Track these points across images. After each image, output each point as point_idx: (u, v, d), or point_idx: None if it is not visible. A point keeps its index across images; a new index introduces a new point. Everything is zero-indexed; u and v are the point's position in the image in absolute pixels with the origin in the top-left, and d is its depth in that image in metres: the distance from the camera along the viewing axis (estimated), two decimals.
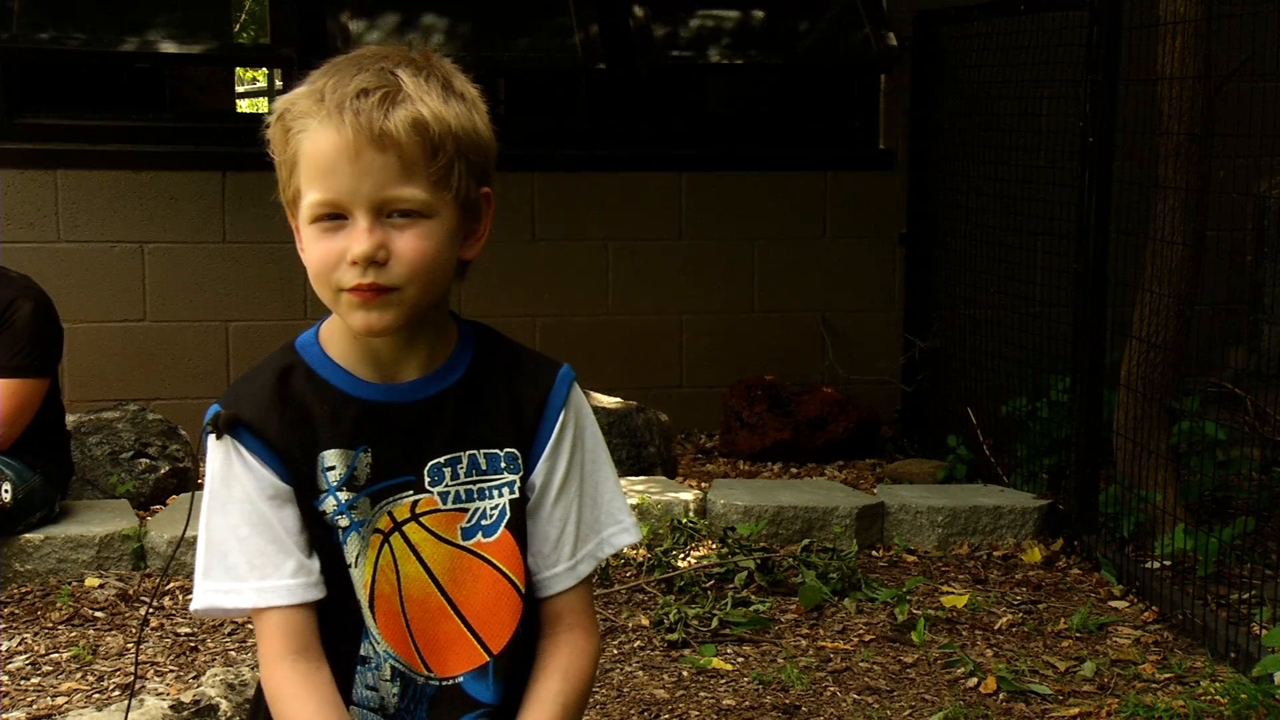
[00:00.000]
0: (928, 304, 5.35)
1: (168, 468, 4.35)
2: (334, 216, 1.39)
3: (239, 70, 11.12)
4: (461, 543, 1.48)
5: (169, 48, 5.01)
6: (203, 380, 5.02)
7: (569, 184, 5.24)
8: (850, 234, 5.49)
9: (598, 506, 1.54)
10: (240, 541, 1.44)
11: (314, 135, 1.39)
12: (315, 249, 1.40)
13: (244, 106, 12.35)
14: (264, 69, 10.31)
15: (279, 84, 9.00)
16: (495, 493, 1.49)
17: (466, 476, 1.48)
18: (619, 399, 4.74)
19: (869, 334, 5.51)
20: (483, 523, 1.49)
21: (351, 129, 1.36)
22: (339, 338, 1.48)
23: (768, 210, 5.44)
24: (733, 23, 5.44)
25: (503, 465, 1.50)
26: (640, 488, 4.28)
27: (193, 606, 1.47)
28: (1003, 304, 4.72)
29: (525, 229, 5.19)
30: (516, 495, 1.50)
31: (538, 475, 1.51)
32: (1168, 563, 3.87)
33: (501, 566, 1.49)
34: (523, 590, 1.50)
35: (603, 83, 5.28)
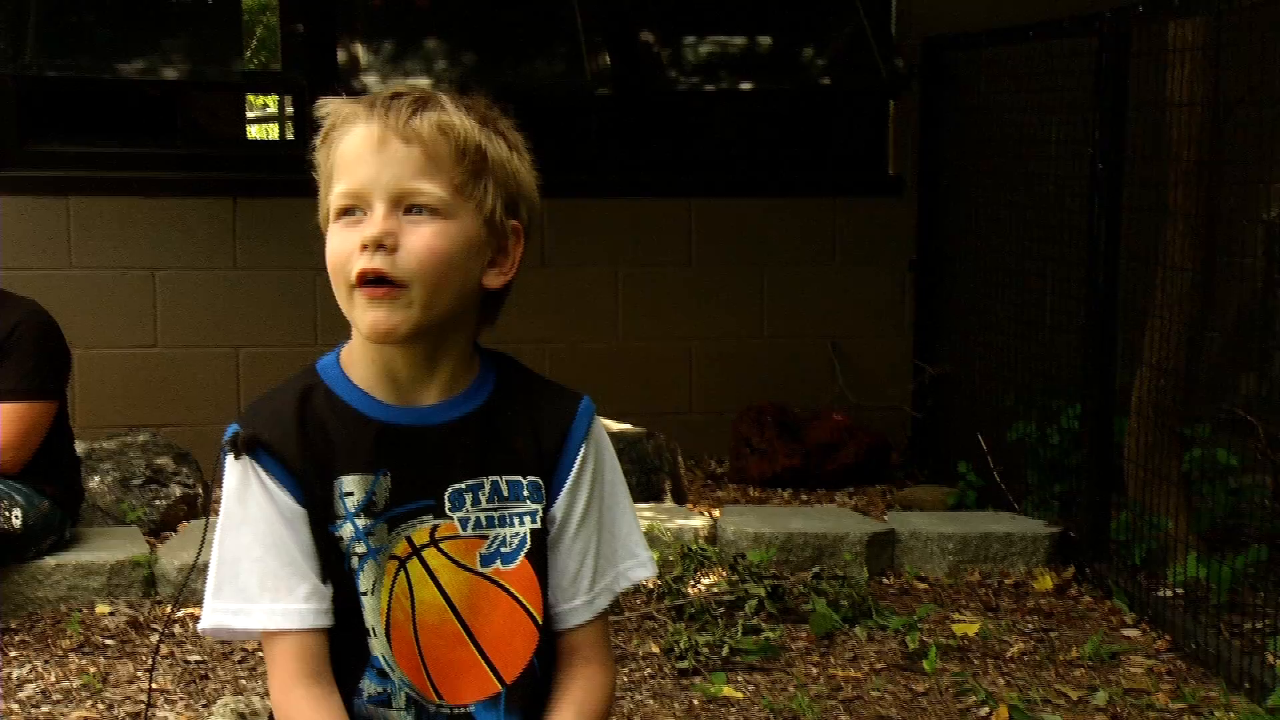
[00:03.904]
0: (937, 330, 5.36)
1: (179, 494, 4.36)
2: (355, 211, 1.42)
3: (250, 96, 11.18)
4: (480, 569, 1.48)
5: (180, 74, 5.04)
6: (213, 406, 5.02)
7: (579, 210, 5.25)
8: (860, 260, 5.50)
9: (615, 540, 1.56)
10: (254, 562, 1.43)
11: (348, 134, 1.43)
12: (333, 242, 1.43)
13: (255, 132, 12.43)
14: (275, 95, 10.36)
15: (289, 109, 9.05)
16: (516, 521, 1.50)
17: (488, 503, 1.49)
18: (629, 425, 4.75)
19: (879, 360, 5.51)
20: (502, 550, 1.49)
21: (379, 122, 1.41)
22: (360, 360, 1.49)
23: (777, 236, 5.45)
24: (741, 49, 5.46)
25: (525, 493, 1.50)
26: (650, 514, 4.28)
27: (201, 626, 1.47)
28: (1012, 329, 4.72)
29: (535, 255, 5.19)
30: (538, 526, 1.50)
31: (558, 508, 1.51)
32: (1180, 591, 3.86)
33: (519, 596, 1.50)
34: (539, 621, 1.51)
35: (612, 109, 5.30)
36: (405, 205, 1.41)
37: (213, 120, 7.33)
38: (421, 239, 1.40)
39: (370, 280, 1.40)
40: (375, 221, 1.40)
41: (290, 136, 10.00)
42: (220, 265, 5.07)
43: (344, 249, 1.41)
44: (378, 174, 1.40)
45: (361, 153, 1.41)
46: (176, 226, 5.04)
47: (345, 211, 1.42)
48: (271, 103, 12.29)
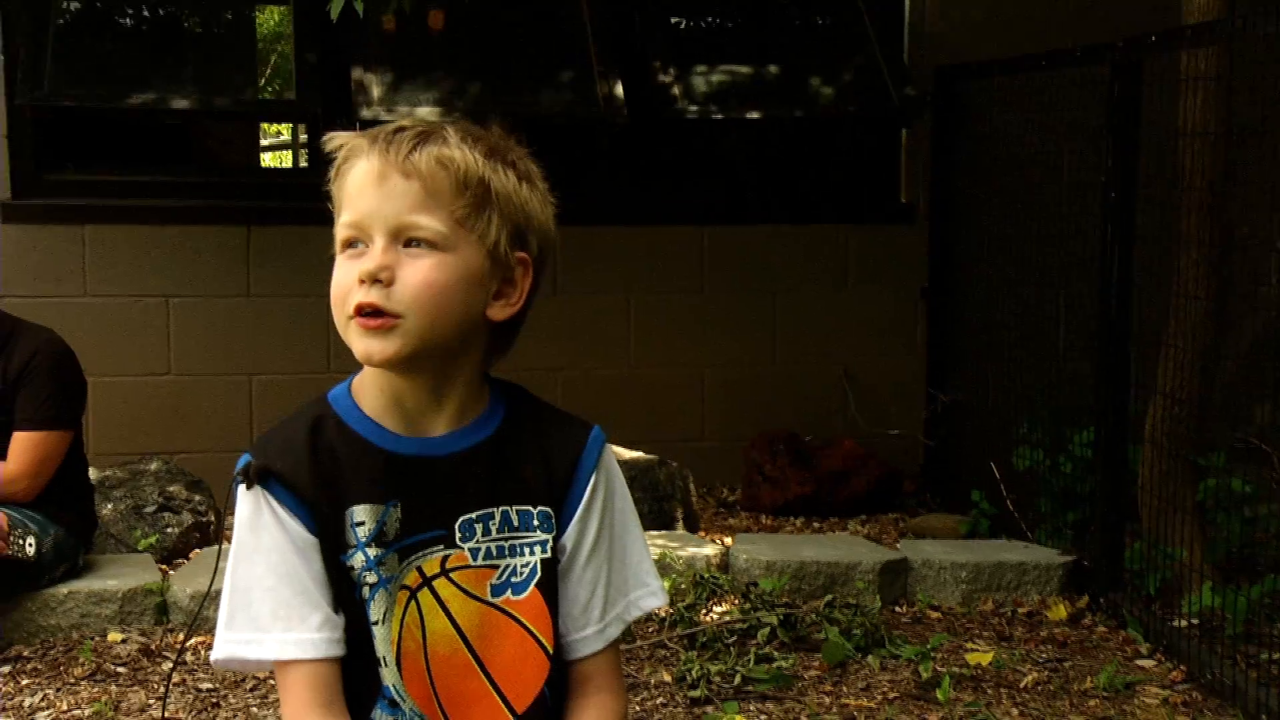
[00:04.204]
0: (950, 357, 5.35)
1: (191, 522, 4.36)
2: (358, 244, 1.43)
3: (264, 124, 11.23)
4: (491, 599, 1.48)
5: (194, 103, 5.07)
6: (226, 434, 5.03)
7: (591, 237, 5.26)
8: (872, 287, 5.49)
9: (626, 569, 1.55)
10: (266, 592, 1.43)
11: (353, 168, 1.45)
12: (336, 274, 1.44)
13: (269, 160, 12.49)
14: (288, 123, 10.42)
15: (304, 137, 9.09)
16: (527, 550, 1.49)
17: (499, 533, 1.49)
18: (641, 452, 4.74)
19: (891, 387, 5.50)
20: (512, 580, 1.49)
21: (380, 157, 1.42)
22: (370, 390, 1.48)
23: (789, 263, 5.45)
24: (754, 77, 5.47)
25: (535, 523, 1.50)
26: (662, 542, 4.26)
27: (213, 657, 1.47)
28: (1025, 357, 4.71)
29: (547, 282, 5.18)
30: (548, 555, 1.50)
31: (569, 538, 1.51)
32: (1195, 621, 3.83)
33: (529, 625, 1.49)
34: (550, 651, 1.50)
35: (625, 136, 5.31)
36: (404, 239, 1.42)
37: (226, 148, 7.37)
38: (418, 272, 1.41)
39: (366, 313, 1.41)
40: (373, 255, 1.41)
41: (304, 165, 10.05)
42: (234, 293, 5.09)
43: (345, 281, 1.43)
44: (377, 208, 1.41)
45: (363, 187, 1.42)
46: (190, 254, 5.06)
47: (349, 244, 1.44)
48: (285, 130, 12.36)
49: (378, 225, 1.41)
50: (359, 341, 1.42)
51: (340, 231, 1.44)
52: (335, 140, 1.47)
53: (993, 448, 4.84)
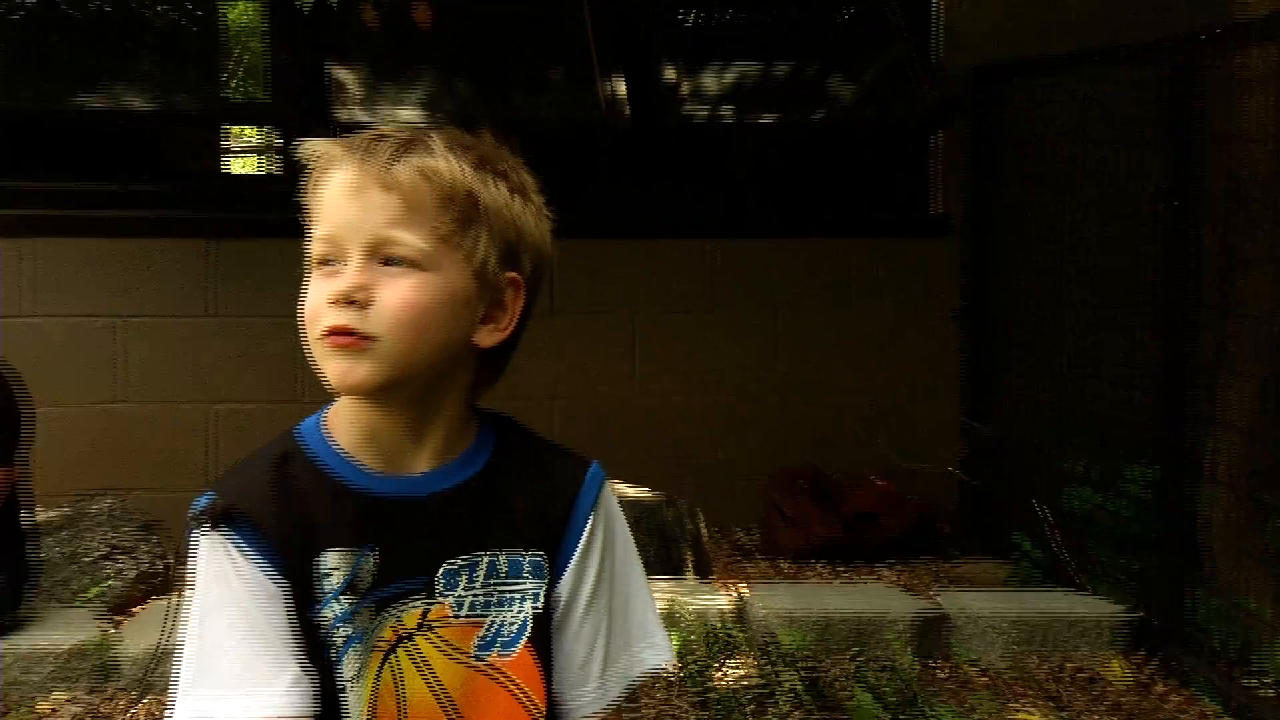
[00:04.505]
0: (989, 384, 5.33)
1: (142, 569, 4.31)
2: (332, 261, 1.43)
3: (231, 128, 11.23)
4: (476, 659, 1.46)
5: (153, 105, 5.07)
6: (183, 470, 4.99)
7: (591, 251, 5.24)
8: (902, 307, 5.48)
9: (628, 621, 1.54)
10: (233, 646, 1.42)
11: (328, 179, 1.45)
12: (309, 295, 1.44)
13: (235, 166, 12.49)
14: (260, 127, 10.43)
15: (276, 141, 9.10)
16: (517, 602, 1.48)
17: (485, 582, 1.47)
18: (646, 490, 4.72)
19: (924, 418, 5.48)
20: (501, 635, 1.48)
21: (357, 167, 1.42)
22: (344, 423, 1.48)
23: (811, 281, 5.45)
24: (769, 78, 5.49)
25: (525, 570, 1.49)
26: (670, 591, 4.23)
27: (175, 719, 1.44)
28: (1072, 384, 4.69)
29: (542, 300, 5.14)
30: (541, 607, 1.48)
31: (564, 587, 1.50)
32: (1269, 680, 3.78)
33: (520, 686, 1.47)
34: (543, 714, 1.48)
35: (629, 142, 5.31)
36: (383, 257, 1.41)
37: (188, 155, 7.36)
38: (397, 293, 1.40)
39: (337, 333, 1.41)
40: (348, 274, 1.41)
41: (276, 171, 10.04)
42: (194, 313, 5.07)
43: (317, 303, 1.43)
44: (354, 223, 1.42)
45: (339, 199, 1.43)
46: (146, 270, 5.05)
47: (323, 261, 1.44)
48: (252, 134, 12.38)
49: (354, 242, 1.41)
50: (331, 362, 1.41)
51: (313, 247, 1.44)
52: (309, 148, 1.47)
53: (1038, 485, 4.81)
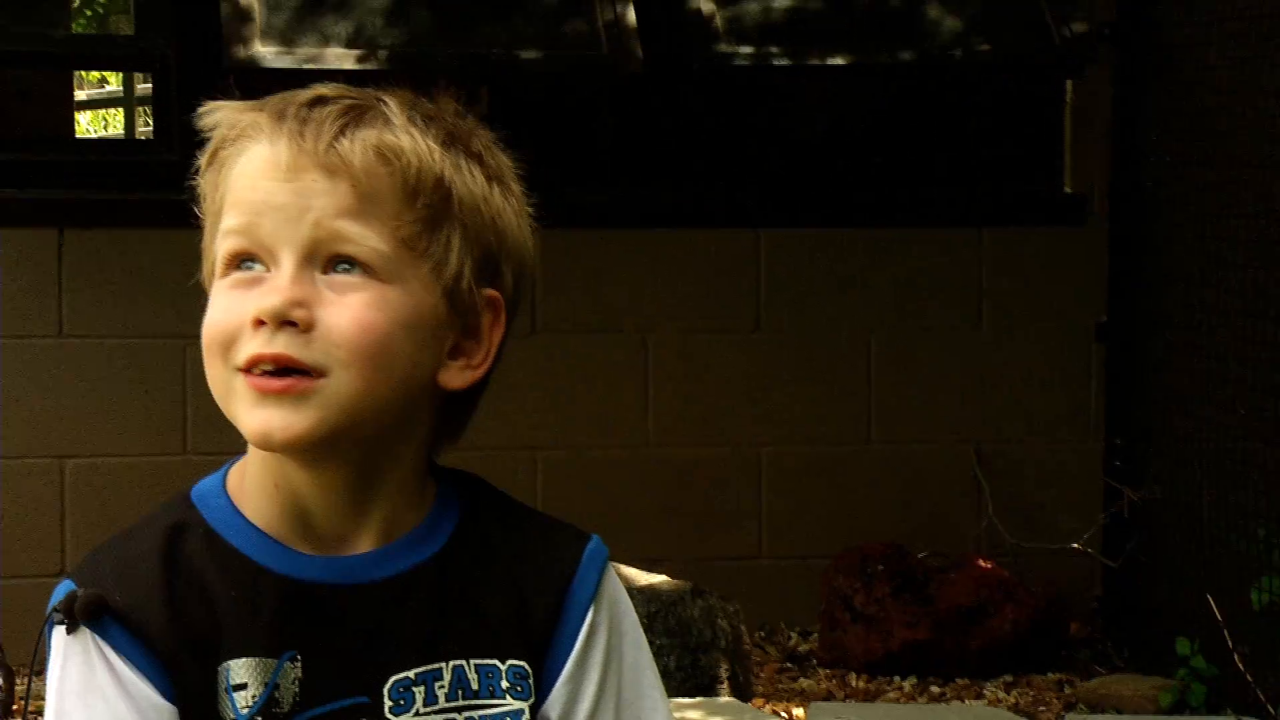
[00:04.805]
0: (1142, 430, 5.32)
1: None
2: (252, 264, 1.44)
3: (82, 74, 11.27)
4: None
5: None
6: (26, 549, 5.02)
7: (588, 246, 5.26)
8: (1019, 323, 5.50)
9: None
10: None
11: (246, 154, 1.46)
12: (217, 307, 1.45)
13: (89, 125, 12.53)
14: (122, 72, 10.47)
15: (144, 86, 9.13)
16: None
17: (449, 700, 1.50)
18: (664, 576, 4.73)
19: (1049, 478, 5.50)
20: None
21: (291, 142, 1.44)
22: (257, 487, 1.51)
23: (890, 287, 5.46)
24: (834, 3, 5.47)
25: (504, 685, 1.51)
26: (698, 716, 4.24)
27: None
28: (1263, 432, 4.68)
29: (521, 315, 5.20)
30: None
31: (554, 705, 1.53)
32: None
33: None
34: None
35: (641, 93, 5.33)
36: (325, 259, 1.43)
37: (26, 111, 7.41)
38: (348, 311, 1.42)
39: (268, 370, 1.42)
40: (279, 283, 1.42)
41: (144, 131, 10.08)
42: (38, 332, 5.07)
43: (230, 320, 1.44)
44: (286, 213, 1.43)
45: (262, 182, 1.44)
46: None
47: (236, 261, 1.45)
48: (114, 80, 12.42)
49: (285, 238, 1.43)
50: (253, 413, 1.43)
51: (222, 243, 1.46)
52: (215, 113, 1.48)
53: (1212, 573, 4.80)
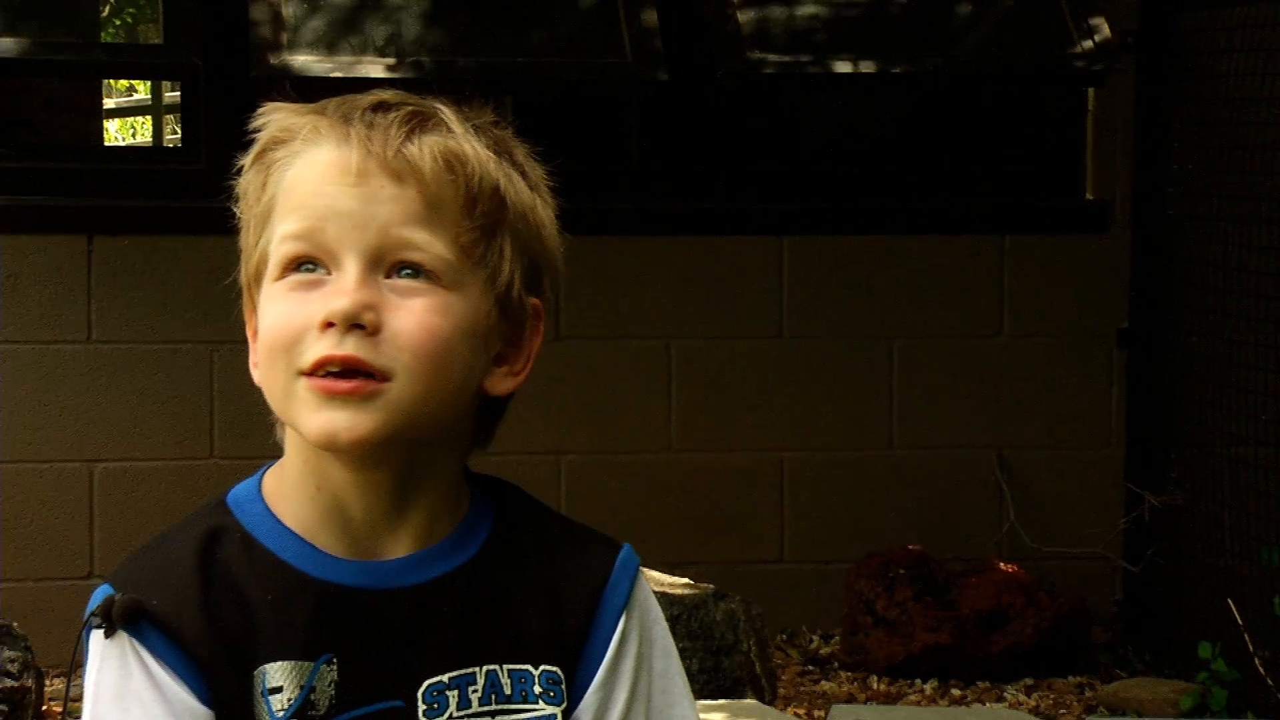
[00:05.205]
0: (1163, 437, 5.32)
1: (1, 685, 4.35)
2: (313, 267, 1.45)
3: (111, 82, 11.31)
4: None
5: (4, 51, 5.10)
6: (56, 553, 5.03)
7: (612, 253, 5.26)
8: (1040, 330, 5.49)
9: None
10: None
11: (304, 159, 1.47)
12: (277, 310, 1.46)
13: (118, 133, 12.58)
14: (151, 80, 10.51)
15: (172, 95, 9.16)
16: None
17: (482, 705, 1.51)
18: (687, 580, 4.73)
19: (1070, 483, 5.50)
20: None
21: (359, 146, 1.45)
22: (295, 490, 1.52)
23: (912, 293, 5.46)
24: (862, 17, 5.47)
25: (537, 690, 1.53)
26: (721, 718, 4.24)
27: None
28: None
29: (546, 321, 5.20)
30: None
31: (586, 711, 1.55)
32: None
33: None
34: None
35: (665, 101, 5.33)
36: (389, 265, 1.44)
37: (56, 119, 7.42)
38: (413, 316, 1.43)
39: (334, 371, 1.43)
40: (347, 288, 1.43)
41: (172, 139, 10.11)
42: (68, 338, 5.09)
43: (294, 322, 1.44)
44: (352, 218, 1.44)
45: (326, 186, 1.45)
46: (8, 278, 5.07)
47: (295, 264, 1.46)
48: (142, 89, 12.47)
49: (351, 242, 1.44)
50: (318, 414, 1.43)
51: (281, 246, 1.46)
52: (273, 116, 1.49)
53: (1232, 577, 4.80)
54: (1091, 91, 5.52)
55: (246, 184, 1.51)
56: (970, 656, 5.07)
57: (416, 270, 1.44)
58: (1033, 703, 4.89)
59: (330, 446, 1.44)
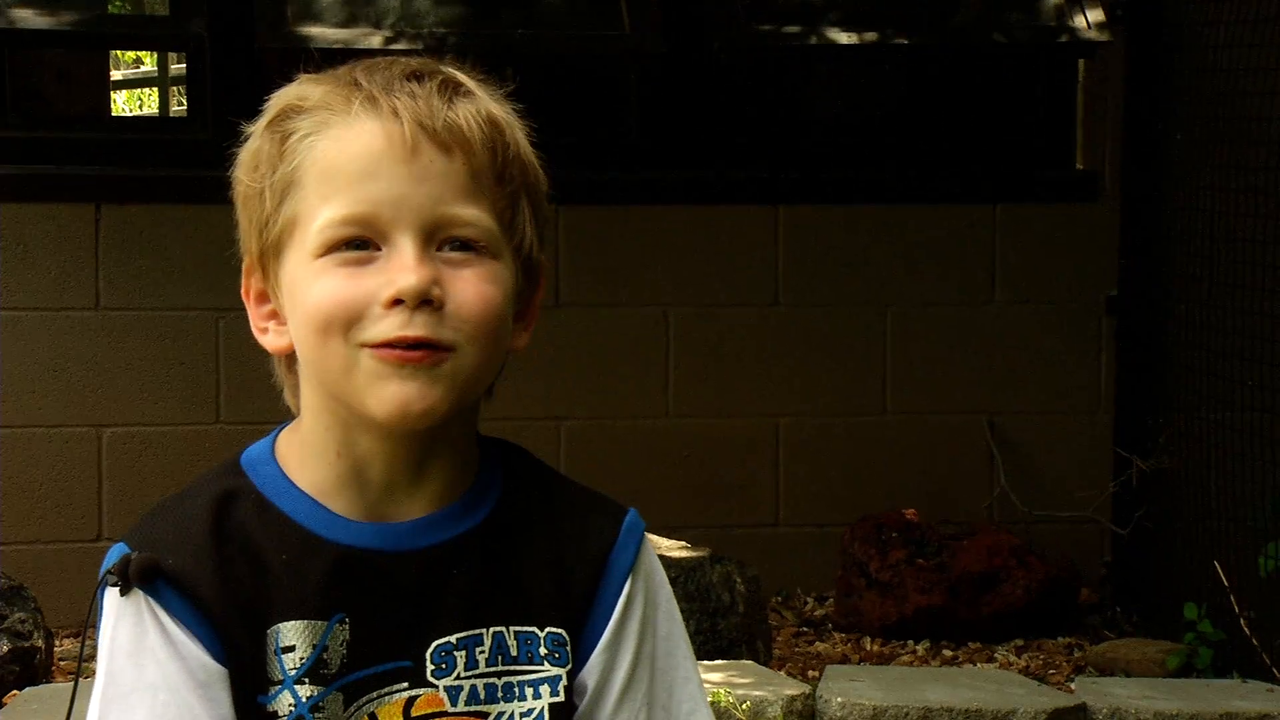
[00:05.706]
0: (1151, 403, 5.31)
1: (7, 650, 4.34)
2: (364, 245, 1.44)
3: (118, 54, 11.27)
4: None
5: (6, 23, 5.09)
6: (65, 515, 5.03)
7: (611, 222, 5.27)
8: (1031, 298, 5.50)
9: (672, 715, 1.59)
10: None
11: (337, 135, 1.45)
12: (326, 288, 1.44)
13: (124, 104, 12.54)
14: (156, 51, 10.47)
15: (178, 66, 9.14)
16: (530, 691, 1.52)
17: (489, 666, 1.51)
18: (683, 543, 4.73)
19: (1060, 448, 5.51)
20: None
21: (409, 116, 1.44)
22: (312, 453, 1.52)
23: (906, 262, 5.46)
24: None
25: (542, 652, 1.53)
26: (719, 677, 4.25)
27: None
28: (1271, 404, 4.68)
29: (546, 289, 5.20)
30: (562, 699, 1.53)
31: (591, 672, 1.55)
32: None
33: None
34: None
35: (662, 74, 5.32)
36: (440, 240, 1.45)
37: (65, 91, 7.40)
38: (470, 288, 1.44)
39: (408, 345, 1.43)
40: (409, 264, 1.43)
41: (178, 110, 10.07)
42: (76, 304, 5.09)
43: (353, 296, 1.43)
44: (406, 195, 1.44)
45: (376, 164, 1.44)
46: (10, 248, 5.08)
47: (345, 244, 1.45)
48: (149, 60, 12.41)
49: (407, 224, 1.43)
50: (386, 386, 1.43)
51: (331, 231, 1.45)
52: (299, 90, 1.47)
53: (1219, 540, 4.80)
54: (1082, 63, 5.51)
55: (258, 150, 1.49)
56: (962, 618, 5.07)
57: (469, 244, 1.45)
58: (1023, 663, 4.90)
59: (403, 418, 1.44)
